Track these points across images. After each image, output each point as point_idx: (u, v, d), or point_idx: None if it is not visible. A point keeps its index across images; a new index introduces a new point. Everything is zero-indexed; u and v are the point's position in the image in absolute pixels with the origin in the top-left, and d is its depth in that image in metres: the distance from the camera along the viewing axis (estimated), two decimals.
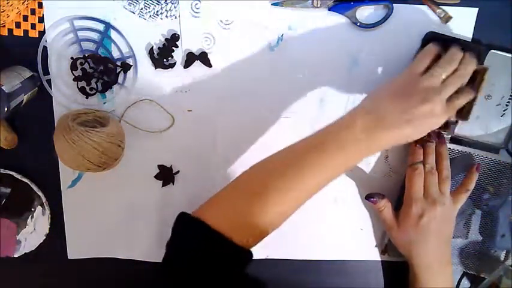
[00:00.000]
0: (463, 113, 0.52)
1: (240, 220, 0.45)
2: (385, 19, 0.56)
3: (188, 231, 0.45)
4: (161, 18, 0.56)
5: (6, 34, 0.56)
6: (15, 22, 0.56)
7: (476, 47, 0.55)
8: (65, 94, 0.58)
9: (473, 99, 0.51)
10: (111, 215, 0.61)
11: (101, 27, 0.56)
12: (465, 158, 0.58)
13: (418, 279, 0.56)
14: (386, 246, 0.62)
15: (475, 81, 0.51)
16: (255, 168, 0.48)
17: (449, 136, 0.59)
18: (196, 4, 0.56)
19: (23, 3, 0.54)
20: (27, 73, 0.55)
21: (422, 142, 0.56)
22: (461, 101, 0.49)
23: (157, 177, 0.60)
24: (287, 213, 0.47)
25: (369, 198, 0.58)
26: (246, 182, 0.48)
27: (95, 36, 0.56)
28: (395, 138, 0.47)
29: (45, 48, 0.56)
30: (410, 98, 0.47)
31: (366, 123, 0.46)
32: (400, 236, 0.57)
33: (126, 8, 0.56)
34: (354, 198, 0.62)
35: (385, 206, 0.58)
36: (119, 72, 0.57)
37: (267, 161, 0.48)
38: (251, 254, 0.46)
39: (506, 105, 0.57)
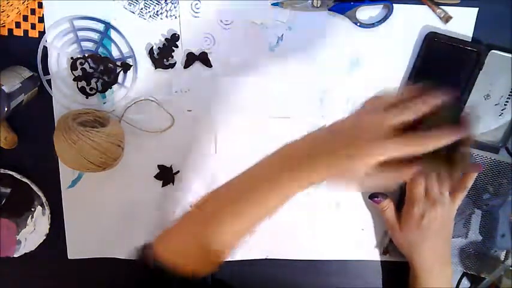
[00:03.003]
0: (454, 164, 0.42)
1: (194, 249, 0.45)
2: (385, 19, 0.56)
3: (144, 266, 0.46)
4: (161, 18, 0.56)
5: (6, 34, 0.56)
6: (15, 22, 0.56)
7: (476, 47, 0.56)
8: (65, 94, 0.58)
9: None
10: (111, 215, 0.61)
11: (101, 27, 0.56)
12: None
13: (418, 280, 0.56)
14: (387, 246, 0.62)
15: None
16: (207, 196, 0.47)
17: None
18: (196, 4, 0.56)
19: (23, 3, 0.54)
20: (27, 73, 0.55)
21: None
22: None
23: (157, 177, 0.60)
24: (242, 235, 0.46)
25: (372, 198, 0.58)
26: (198, 211, 0.47)
27: (95, 36, 0.56)
28: (333, 170, 0.42)
29: (45, 48, 0.56)
30: (351, 140, 0.41)
31: (299, 156, 0.44)
32: (402, 237, 0.57)
33: (126, 8, 0.56)
34: (354, 199, 0.62)
35: (388, 206, 0.58)
36: (119, 72, 0.57)
37: (217, 191, 0.47)
38: (206, 281, 0.46)
39: (505, 105, 0.57)
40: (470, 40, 0.56)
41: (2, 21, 0.54)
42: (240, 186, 0.46)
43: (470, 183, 0.56)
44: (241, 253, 0.62)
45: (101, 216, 0.61)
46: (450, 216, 0.56)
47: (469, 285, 0.62)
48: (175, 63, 0.57)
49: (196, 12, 0.56)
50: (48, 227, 0.60)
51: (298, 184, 0.43)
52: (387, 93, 0.43)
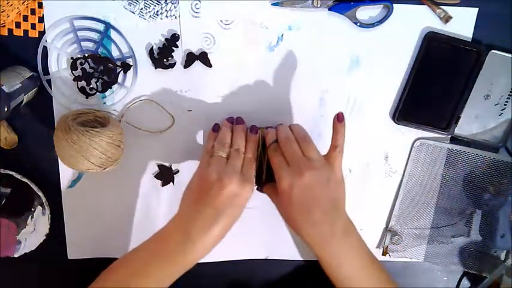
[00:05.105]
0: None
1: None
2: (385, 19, 0.56)
3: None
4: (161, 18, 0.56)
5: (6, 34, 0.56)
6: (15, 22, 0.56)
7: (476, 47, 0.56)
8: (65, 94, 0.58)
9: (260, 166, 0.54)
10: (111, 215, 0.61)
11: (101, 27, 0.56)
12: None
13: (328, 269, 0.51)
14: (386, 247, 0.62)
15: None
16: (108, 271, 0.52)
17: (449, 136, 0.59)
18: (196, 4, 0.56)
19: (23, 3, 0.54)
20: (27, 73, 0.55)
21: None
22: (248, 169, 0.50)
23: (157, 177, 0.60)
24: None
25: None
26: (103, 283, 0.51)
27: (95, 36, 0.56)
28: (215, 239, 0.47)
29: (45, 48, 0.56)
30: (209, 193, 0.47)
31: (178, 238, 0.47)
32: (284, 215, 0.52)
33: (126, 8, 0.56)
34: (353, 199, 0.62)
35: (267, 188, 0.55)
36: (119, 72, 0.57)
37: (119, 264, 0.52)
38: None
39: (505, 105, 0.57)
40: (470, 40, 0.56)
41: (2, 21, 0.54)
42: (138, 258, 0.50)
43: (341, 141, 0.50)
44: (241, 253, 0.62)
45: (101, 216, 0.61)
46: (331, 178, 0.49)
47: (469, 285, 0.62)
48: (175, 63, 0.57)
49: (196, 12, 0.56)
50: (48, 227, 0.60)
51: (187, 262, 0.47)
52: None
